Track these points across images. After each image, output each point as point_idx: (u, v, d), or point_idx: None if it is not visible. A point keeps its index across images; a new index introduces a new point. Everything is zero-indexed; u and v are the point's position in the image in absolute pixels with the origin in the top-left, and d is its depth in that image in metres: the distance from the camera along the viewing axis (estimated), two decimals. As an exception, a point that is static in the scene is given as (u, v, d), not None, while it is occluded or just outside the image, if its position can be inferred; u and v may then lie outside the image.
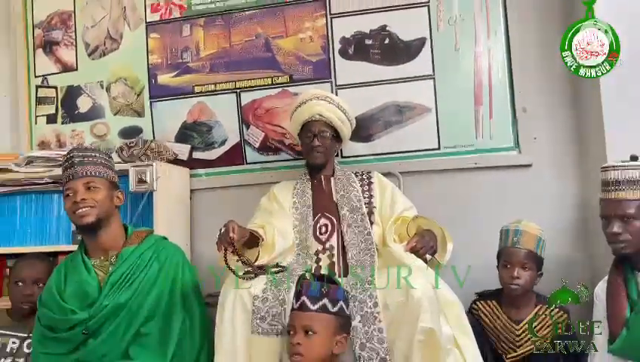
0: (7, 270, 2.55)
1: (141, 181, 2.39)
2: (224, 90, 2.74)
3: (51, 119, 2.96)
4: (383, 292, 1.72)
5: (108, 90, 2.88)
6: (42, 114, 2.97)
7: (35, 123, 2.97)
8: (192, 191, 2.75)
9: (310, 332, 1.57)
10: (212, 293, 2.06)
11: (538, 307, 2.02)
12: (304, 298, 1.58)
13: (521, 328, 2.00)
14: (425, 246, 1.94)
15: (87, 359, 1.77)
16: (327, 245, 2.08)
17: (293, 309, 1.61)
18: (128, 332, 1.79)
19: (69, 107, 2.94)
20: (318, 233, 2.11)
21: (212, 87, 2.76)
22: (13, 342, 2.08)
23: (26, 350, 2.07)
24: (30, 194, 2.65)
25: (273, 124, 2.69)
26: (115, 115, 2.88)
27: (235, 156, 2.74)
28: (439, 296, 1.74)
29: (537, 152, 2.46)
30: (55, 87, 2.96)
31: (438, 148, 2.54)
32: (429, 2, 2.55)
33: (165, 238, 2.06)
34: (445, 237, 2.04)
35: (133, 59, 2.85)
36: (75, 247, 2.34)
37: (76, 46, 2.94)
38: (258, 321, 1.72)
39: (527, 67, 2.46)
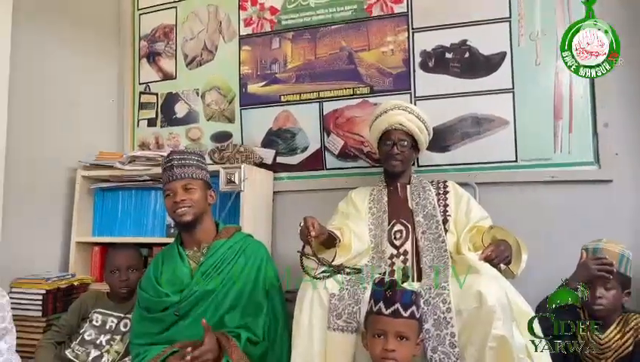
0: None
1: (230, 181, 2.48)
2: (308, 99, 2.80)
3: (152, 123, 3.12)
4: (457, 297, 1.68)
5: (203, 97, 3.01)
6: (144, 118, 3.14)
7: (138, 126, 3.15)
8: (274, 192, 2.82)
9: (403, 339, 1.56)
10: (290, 290, 2.10)
11: (620, 317, 1.91)
12: (398, 305, 1.56)
13: (606, 339, 1.88)
14: (499, 255, 1.89)
15: (177, 338, 1.86)
16: (402, 250, 2.07)
17: (379, 313, 1.58)
18: (214, 318, 1.87)
19: (167, 112, 3.09)
20: (392, 238, 2.10)
21: (297, 97, 2.82)
22: (112, 321, 2.20)
23: (122, 329, 2.18)
24: (131, 190, 2.81)
25: (353, 133, 2.71)
26: (208, 120, 3.00)
27: (315, 162, 2.79)
28: (513, 307, 1.69)
29: (619, 168, 2.34)
30: (156, 94, 3.13)
31: (515, 161, 2.47)
32: (510, 18, 2.49)
33: (251, 236, 2.13)
34: (520, 248, 1.98)
35: (226, 69, 2.97)
36: (168, 240, 2.47)
37: (176, 57, 3.09)
38: (334, 318, 1.73)
39: (610, 81, 2.34)
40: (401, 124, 2.17)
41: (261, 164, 2.76)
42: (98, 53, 3.04)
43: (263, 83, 2.90)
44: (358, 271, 1.91)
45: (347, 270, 1.88)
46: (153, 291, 1.95)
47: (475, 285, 1.67)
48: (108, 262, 2.31)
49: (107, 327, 2.19)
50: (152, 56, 3.15)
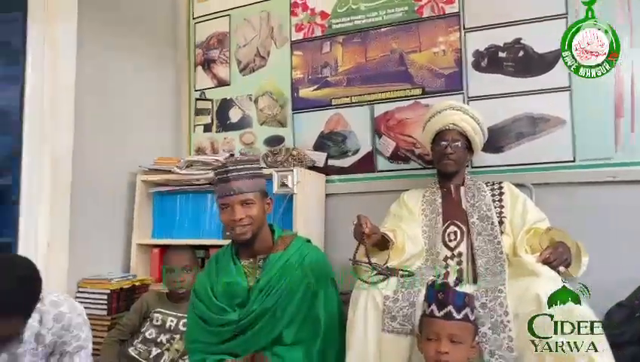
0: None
1: (283, 185, 2.51)
2: (359, 102, 2.79)
3: (207, 128, 3.19)
4: (514, 300, 1.64)
5: (256, 102, 3.06)
6: (200, 123, 3.22)
7: (194, 131, 3.23)
8: (327, 195, 2.82)
9: (456, 341, 1.53)
10: (344, 291, 2.09)
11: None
12: (450, 307, 1.53)
13: None
14: (558, 258, 1.82)
15: (235, 350, 1.85)
16: (456, 252, 2.03)
17: (432, 316, 1.56)
18: (272, 333, 1.84)
19: (222, 117, 3.16)
20: (447, 240, 2.06)
21: (348, 100, 2.82)
22: (171, 321, 2.26)
23: (181, 328, 2.24)
24: (188, 193, 2.87)
25: (404, 134, 2.69)
26: (261, 125, 3.04)
27: (366, 164, 2.77)
28: (574, 311, 1.62)
29: (685, 167, 2.22)
30: (211, 100, 3.20)
31: (573, 161, 2.38)
32: (567, 14, 2.41)
33: (309, 242, 2.07)
34: (580, 250, 1.90)
35: (278, 74, 3.00)
36: (224, 242, 2.50)
37: (230, 63, 3.15)
38: (389, 320, 1.72)
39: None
40: (454, 124, 2.13)
41: (313, 167, 2.77)
42: (156, 63, 3.13)
43: (315, 87, 2.91)
44: (411, 274, 1.88)
45: (400, 273, 1.86)
46: (210, 304, 1.91)
47: (533, 288, 1.62)
48: (165, 262, 2.38)
49: (167, 326, 2.25)
50: (206, 64, 3.22)
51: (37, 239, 2.37)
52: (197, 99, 3.23)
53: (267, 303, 1.85)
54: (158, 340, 2.22)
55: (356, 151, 2.80)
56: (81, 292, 2.50)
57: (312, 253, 2.00)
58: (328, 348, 1.86)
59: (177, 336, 2.23)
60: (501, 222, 2.05)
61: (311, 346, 1.84)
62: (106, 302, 2.47)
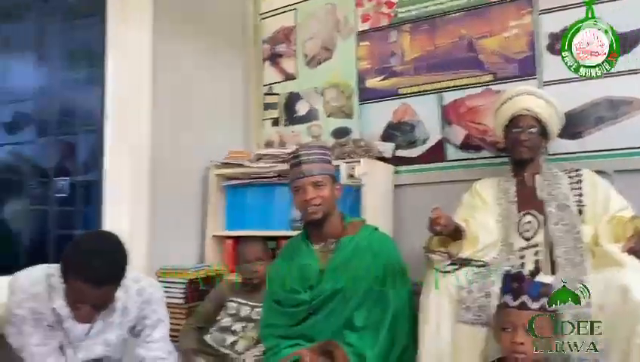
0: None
1: (351, 176, 2.50)
2: (427, 91, 2.74)
3: (275, 122, 3.24)
4: (598, 292, 1.56)
5: (322, 94, 3.07)
6: (268, 118, 3.27)
7: (263, 126, 3.28)
8: (395, 186, 2.79)
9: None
10: (416, 282, 2.07)
11: None
12: (525, 297, 1.49)
13: None
14: (645, 248, 1.72)
15: (309, 332, 1.89)
16: (532, 242, 1.95)
17: (507, 307, 1.51)
18: (342, 315, 1.86)
19: (289, 111, 3.19)
20: (522, 230, 1.99)
21: (416, 89, 2.77)
22: (246, 310, 2.31)
23: (255, 316, 2.28)
24: (257, 186, 2.92)
25: (475, 122, 2.61)
26: (327, 116, 3.05)
27: (436, 154, 2.72)
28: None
29: None
30: (278, 94, 3.24)
31: (659, 145, 2.23)
32: (650, -10, 2.26)
33: (377, 229, 2.08)
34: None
35: (344, 66, 2.99)
36: (292, 233, 2.53)
37: (296, 57, 3.17)
38: (463, 311, 1.68)
39: None
40: (528, 110, 2.05)
41: (381, 158, 2.74)
42: (226, 59, 3.20)
43: (381, 77, 2.88)
44: (484, 264, 1.83)
45: (474, 263, 1.81)
46: (283, 286, 1.97)
47: (618, 279, 1.54)
48: (238, 254, 2.42)
49: (241, 315, 2.30)
50: (273, 58, 3.26)
51: (120, 230, 2.48)
52: (265, 94, 3.28)
53: (338, 284, 1.87)
54: (233, 328, 2.28)
55: (425, 141, 2.75)
56: (160, 281, 2.58)
57: (382, 238, 2.02)
58: (397, 335, 1.85)
59: (251, 325, 2.27)
60: (580, 211, 1.96)
61: (380, 332, 1.83)
62: (183, 290, 2.57)
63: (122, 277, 1.62)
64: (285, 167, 2.72)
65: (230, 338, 2.26)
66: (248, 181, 2.92)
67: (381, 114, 2.87)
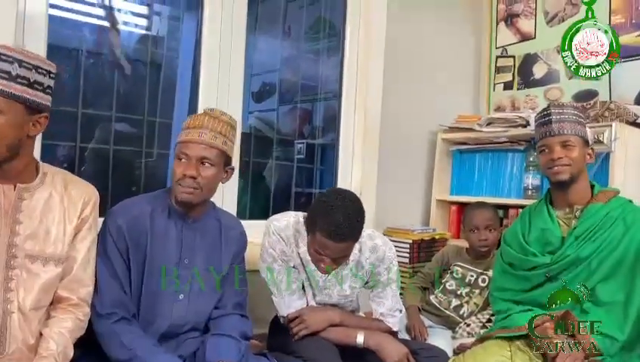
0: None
1: (598, 142, 2.20)
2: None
3: (507, 86, 3.02)
4: None
5: (565, 55, 2.75)
6: (500, 81, 3.06)
7: (494, 90, 3.09)
8: (651, 156, 2.39)
9: None
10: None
11: None
12: None
13: None
14: None
15: (542, 300, 1.74)
16: None
17: None
18: (585, 285, 1.68)
19: (524, 74, 2.94)
20: None
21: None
22: (471, 275, 2.23)
23: (480, 283, 2.19)
24: (487, 151, 2.77)
25: None
26: (569, 79, 2.73)
27: None
28: None
29: None
30: (513, 57, 3.00)
31: None
32: None
33: (631, 202, 1.82)
34: None
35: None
36: (525, 202, 2.37)
37: (535, 15, 2.89)
38: None
39: None
40: None
41: (635, 123, 2.36)
42: (458, 22, 3.07)
43: (638, 32, 2.46)
44: None
45: None
46: (519, 248, 1.83)
47: None
48: (467, 219, 2.31)
49: (467, 281, 2.23)
50: (509, 19, 3.02)
51: (351, 188, 2.60)
52: (498, 57, 3.07)
53: (583, 251, 1.69)
54: (458, 292, 2.22)
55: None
56: (386, 239, 2.66)
57: (636, 211, 1.74)
58: None
59: (477, 291, 2.19)
60: None
61: (629, 312, 1.60)
62: (408, 250, 2.58)
63: (360, 233, 1.67)
64: (518, 131, 2.54)
65: (455, 302, 2.21)
66: (477, 146, 2.79)
67: (636, 74, 2.46)
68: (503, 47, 3.05)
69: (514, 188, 2.64)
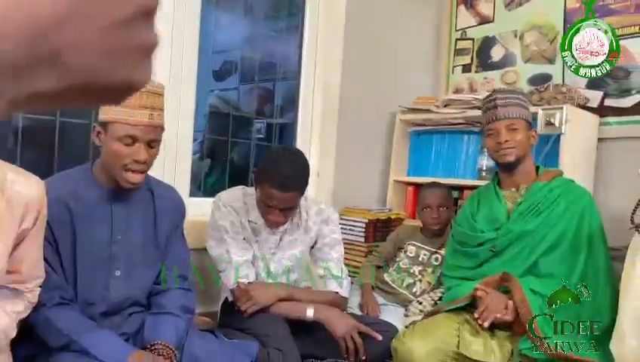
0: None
1: (549, 123, 2.23)
2: (651, 30, 2.30)
3: (466, 68, 3.02)
4: None
5: (521, 38, 2.76)
6: (459, 64, 3.06)
7: (452, 72, 3.09)
8: (599, 139, 2.44)
9: None
10: (614, 247, 1.80)
11: None
12: None
13: None
14: None
15: (490, 274, 1.79)
16: None
17: None
18: (528, 260, 1.75)
19: (482, 57, 2.95)
20: None
21: (635, 29, 2.34)
22: (424, 254, 2.25)
23: (433, 262, 2.22)
24: (444, 133, 2.78)
25: None
26: (525, 62, 2.75)
27: (654, 104, 2.30)
28: None
29: None
30: (472, 39, 3.01)
31: None
32: None
33: (573, 181, 1.90)
34: None
35: (549, 6, 2.64)
36: (479, 182, 2.38)
37: (494, -1, 2.90)
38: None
39: None
40: None
41: (586, 107, 2.40)
42: (419, 5, 3.05)
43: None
44: None
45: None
46: (468, 226, 1.90)
47: None
48: (420, 198, 2.34)
49: (420, 259, 2.25)
50: (470, 1, 3.02)
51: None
52: (457, 40, 3.07)
53: (527, 225, 1.77)
54: (411, 271, 2.24)
55: (642, 90, 2.33)
56: (342, 219, 2.64)
57: (579, 189, 1.85)
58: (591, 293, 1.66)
59: (429, 269, 2.22)
60: None
61: (567, 283, 1.67)
62: (364, 230, 2.58)
63: (305, 186, 1.78)
64: (474, 113, 2.55)
65: (408, 280, 2.23)
66: (434, 127, 2.79)
67: (589, 58, 2.49)
68: (462, 29, 3.05)
69: (469, 169, 2.66)
